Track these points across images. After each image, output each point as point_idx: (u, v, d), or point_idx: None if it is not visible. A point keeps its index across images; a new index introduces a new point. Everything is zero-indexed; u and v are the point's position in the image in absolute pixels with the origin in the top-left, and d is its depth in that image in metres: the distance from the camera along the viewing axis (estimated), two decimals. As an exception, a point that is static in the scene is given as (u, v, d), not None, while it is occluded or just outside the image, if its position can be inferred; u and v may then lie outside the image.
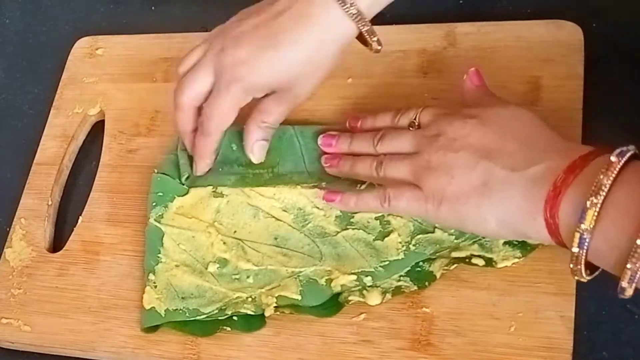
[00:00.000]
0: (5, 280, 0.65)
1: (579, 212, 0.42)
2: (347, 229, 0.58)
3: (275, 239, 0.59)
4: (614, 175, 0.41)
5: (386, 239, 0.56)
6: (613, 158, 0.42)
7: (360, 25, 0.53)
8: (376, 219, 0.57)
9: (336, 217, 0.58)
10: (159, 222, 0.61)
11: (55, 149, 0.70)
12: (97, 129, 0.72)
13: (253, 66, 0.54)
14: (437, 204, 0.50)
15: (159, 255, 0.60)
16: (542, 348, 0.51)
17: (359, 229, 0.57)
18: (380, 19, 0.55)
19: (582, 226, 0.42)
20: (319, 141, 0.60)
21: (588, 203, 0.41)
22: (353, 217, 0.58)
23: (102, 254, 0.64)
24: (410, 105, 0.59)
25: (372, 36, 0.55)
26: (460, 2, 0.68)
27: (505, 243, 0.54)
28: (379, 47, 0.56)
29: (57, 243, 0.67)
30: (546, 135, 0.49)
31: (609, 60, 0.61)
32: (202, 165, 0.60)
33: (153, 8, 0.78)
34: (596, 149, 0.45)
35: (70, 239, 0.66)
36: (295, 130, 0.61)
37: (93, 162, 0.70)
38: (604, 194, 0.41)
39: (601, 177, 0.41)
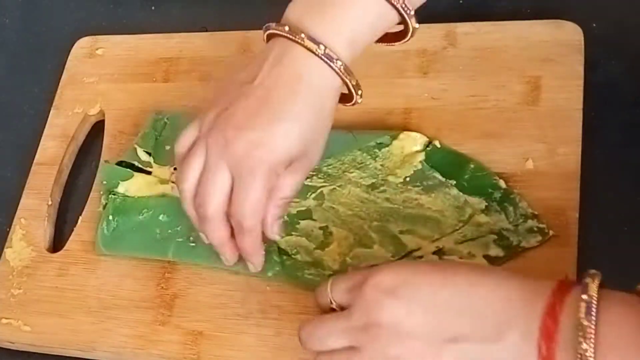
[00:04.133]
0: (5, 280, 0.65)
1: None
2: (292, 234, 0.58)
3: None
4: (592, 339, 0.39)
5: (327, 249, 0.57)
6: (584, 321, 0.40)
7: (347, 79, 0.52)
8: (320, 228, 0.58)
9: (283, 222, 0.59)
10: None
11: (55, 149, 0.70)
12: (97, 129, 0.72)
13: (269, 144, 0.51)
14: None
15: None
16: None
17: (301, 236, 0.58)
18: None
19: None
20: None
21: None
22: (299, 223, 0.59)
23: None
24: (410, 105, 0.59)
25: (357, 89, 0.53)
26: (460, 2, 0.68)
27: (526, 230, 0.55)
28: (360, 100, 0.54)
29: (57, 243, 0.67)
30: (480, 292, 0.44)
31: (609, 60, 0.61)
32: (258, 260, 0.57)
33: (153, 8, 0.78)
34: (555, 295, 0.42)
35: (70, 239, 0.66)
36: None
37: (93, 162, 0.70)
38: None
39: (583, 347, 0.39)
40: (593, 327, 0.40)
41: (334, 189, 0.60)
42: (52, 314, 0.62)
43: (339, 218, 0.58)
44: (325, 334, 0.48)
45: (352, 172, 0.60)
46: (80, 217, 0.66)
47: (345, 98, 0.54)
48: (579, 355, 0.39)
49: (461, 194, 0.57)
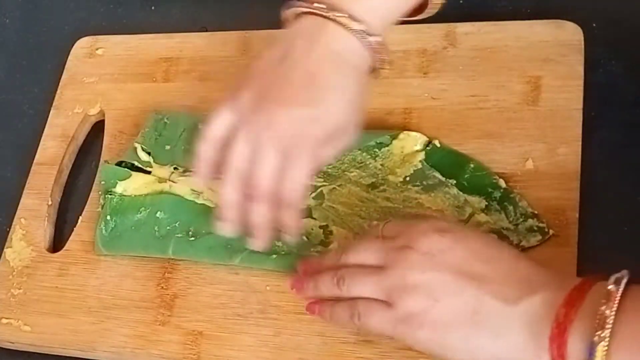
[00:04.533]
0: (5, 280, 0.65)
1: (588, 349, 0.40)
2: None
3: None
4: (616, 305, 0.40)
5: (327, 248, 0.58)
6: (611, 287, 0.41)
7: (382, 56, 0.53)
8: (320, 227, 0.58)
9: None
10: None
11: (55, 149, 0.70)
12: (97, 129, 0.72)
13: (319, 120, 0.51)
14: (416, 327, 0.45)
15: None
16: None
17: (301, 234, 0.58)
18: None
19: None
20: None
21: (596, 338, 0.40)
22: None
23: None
24: (410, 105, 0.58)
25: (387, 64, 0.54)
26: (460, 2, 0.68)
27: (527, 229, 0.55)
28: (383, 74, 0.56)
29: (57, 243, 0.67)
30: (521, 262, 0.46)
31: (609, 60, 0.61)
32: (295, 232, 0.56)
33: (153, 8, 0.78)
34: (587, 277, 0.43)
35: (70, 239, 0.66)
36: None
37: (93, 162, 0.70)
38: (610, 326, 0.39)
39: (603, 308, 0.40)
40: (619, 294, 0.40)
41: (334, 188, 0.60)
42: (52, 314, 0.62)
43: (339, 217, 0.59)
44: (363, 248, 0.50)
45: (352, 172, 0.60)
46: (80, 217, 0.66)
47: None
48: (598, 317, 0.40)
49: (461, 193, 0.57)
